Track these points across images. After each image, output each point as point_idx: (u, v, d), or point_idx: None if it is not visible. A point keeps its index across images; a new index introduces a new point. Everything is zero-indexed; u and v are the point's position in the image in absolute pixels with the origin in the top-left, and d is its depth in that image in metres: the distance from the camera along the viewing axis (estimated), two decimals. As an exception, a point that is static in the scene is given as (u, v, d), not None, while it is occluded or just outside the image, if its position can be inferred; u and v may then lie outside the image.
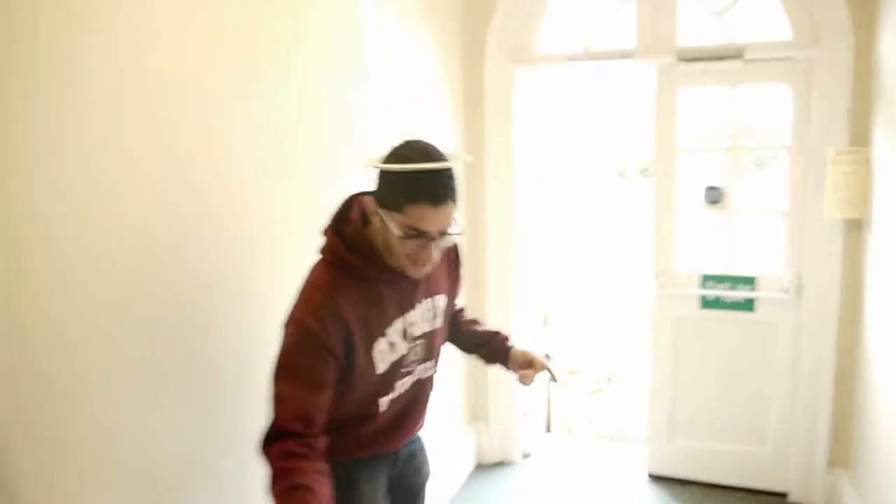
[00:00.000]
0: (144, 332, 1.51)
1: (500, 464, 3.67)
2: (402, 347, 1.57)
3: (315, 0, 2.16)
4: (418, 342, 1.62)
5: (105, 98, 1.39)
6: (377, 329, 1.51)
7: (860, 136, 2.93)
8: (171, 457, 1.60)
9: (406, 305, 1.57)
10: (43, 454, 1.29)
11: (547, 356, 2.01)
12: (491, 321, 2.38)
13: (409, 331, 1.58)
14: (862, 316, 2.94)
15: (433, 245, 1.42)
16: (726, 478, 3.37)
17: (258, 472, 1.44)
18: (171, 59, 1.56)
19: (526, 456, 3.74)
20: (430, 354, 1.68)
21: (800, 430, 3.20)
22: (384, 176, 1.40)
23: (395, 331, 1.54)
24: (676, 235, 3.34)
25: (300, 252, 1.64)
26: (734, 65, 3.10)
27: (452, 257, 1.75)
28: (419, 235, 1.39)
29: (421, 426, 1.80)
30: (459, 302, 1.89)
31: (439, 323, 1.68)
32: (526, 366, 1.78)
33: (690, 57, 3.14)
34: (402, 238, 1.40)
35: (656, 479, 3.46)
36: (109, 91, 1.40)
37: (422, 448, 1.87)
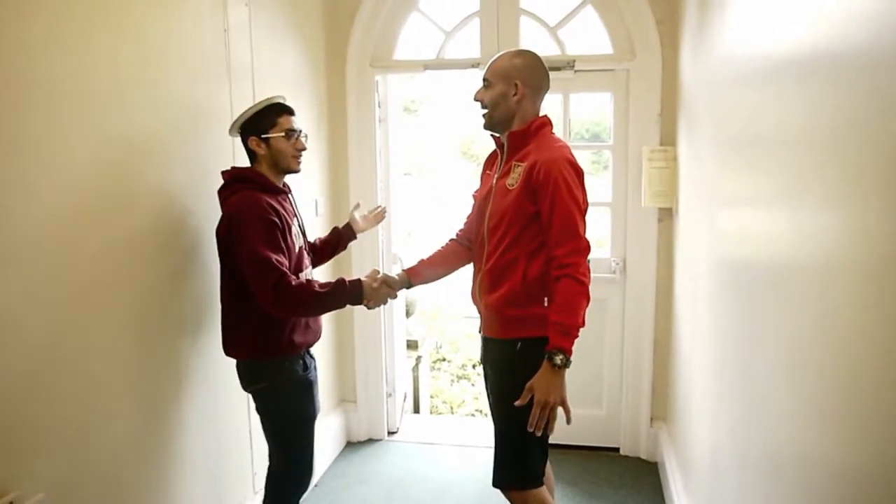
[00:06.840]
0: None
1: (368, 441, 3.94)
2: (301, 240, 2.34)
3: (186, 11, 2.37)
4: (305, 244, 2.40)
5: None
6: (287, 218, 2.22)
7: (669, 137, 3.44)
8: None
9: (291, 213, 2.31)
10: None
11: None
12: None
13: (300, 229, 2.36)
14: (672, 290, 3.45)
15: (299, 139, 2.28)
16: (569, 439, 3.78)
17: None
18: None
19: (392, 433, 4.03)
20: (310, 261, 2.44)
21: (628, 392, 3.69)
22: (252, 119, 2.22)
23: (294, 224, 2.29)
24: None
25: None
26: (567, 74, 3.54)
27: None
28: (291, 133, 2.25)
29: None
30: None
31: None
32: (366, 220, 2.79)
33: (529, 67, 3.55)
34: (285, 138, 2.23)
35: (509, 443, 3.83)
36: None
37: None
